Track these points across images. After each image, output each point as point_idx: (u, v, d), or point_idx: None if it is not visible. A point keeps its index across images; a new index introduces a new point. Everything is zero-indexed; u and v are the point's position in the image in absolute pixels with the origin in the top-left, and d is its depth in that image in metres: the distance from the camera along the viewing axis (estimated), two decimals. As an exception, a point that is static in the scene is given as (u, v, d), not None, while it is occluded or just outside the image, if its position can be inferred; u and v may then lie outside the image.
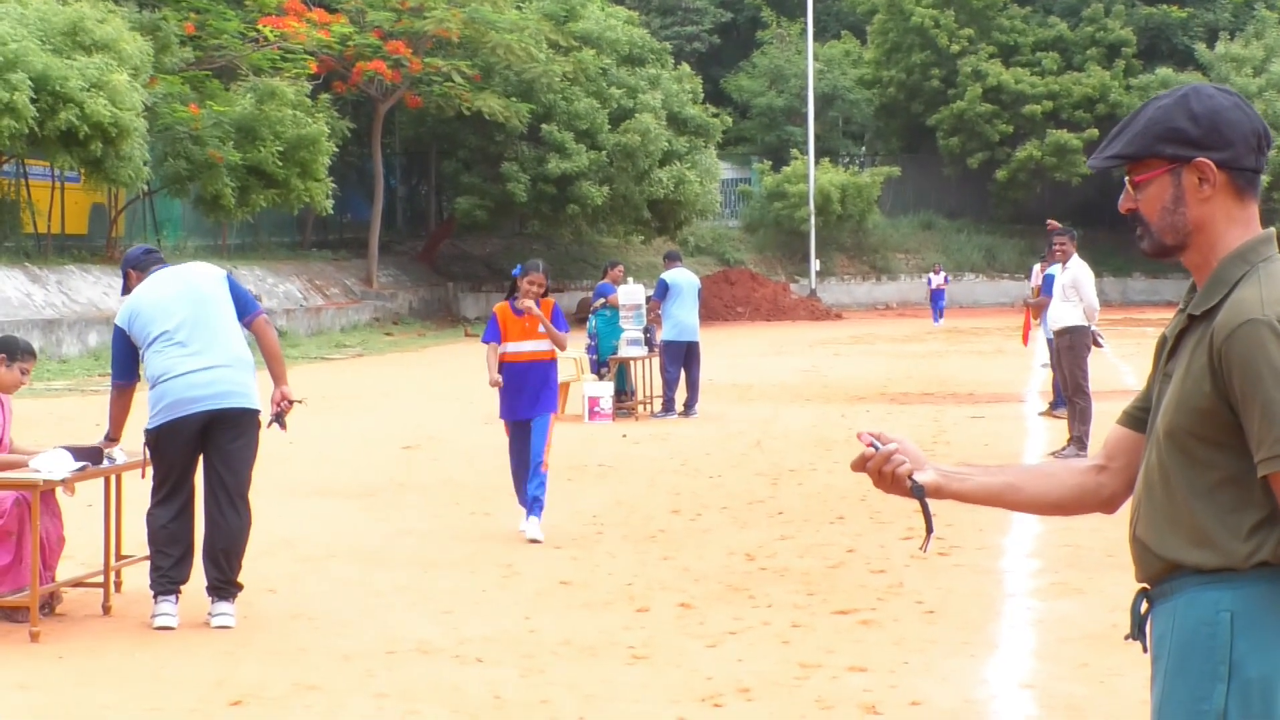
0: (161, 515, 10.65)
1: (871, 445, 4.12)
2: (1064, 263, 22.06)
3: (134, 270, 11.03)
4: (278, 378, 11.08)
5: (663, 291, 25.08)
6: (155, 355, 10.62)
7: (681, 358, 24.91)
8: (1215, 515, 3.77)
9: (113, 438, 11.04)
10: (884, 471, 4.12)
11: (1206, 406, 3.74)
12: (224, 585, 10.67)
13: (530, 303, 14.12)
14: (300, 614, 11.01)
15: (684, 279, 25.26)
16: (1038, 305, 23.97)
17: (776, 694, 8.81)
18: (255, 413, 10.84)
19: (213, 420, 10.57)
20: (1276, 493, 3.65)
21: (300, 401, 11.60)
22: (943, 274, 59.53)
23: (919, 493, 4.09)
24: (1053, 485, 4.22)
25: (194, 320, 10.62)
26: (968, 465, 4.27)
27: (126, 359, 10.84)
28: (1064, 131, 71.95)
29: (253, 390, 10.82)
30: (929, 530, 4.22)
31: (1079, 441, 19.31)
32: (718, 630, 10.37)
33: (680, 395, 25.07)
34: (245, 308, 10.98)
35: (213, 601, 10.65)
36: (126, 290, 11.14)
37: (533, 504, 13.96)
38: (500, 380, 14.14)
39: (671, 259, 26.31)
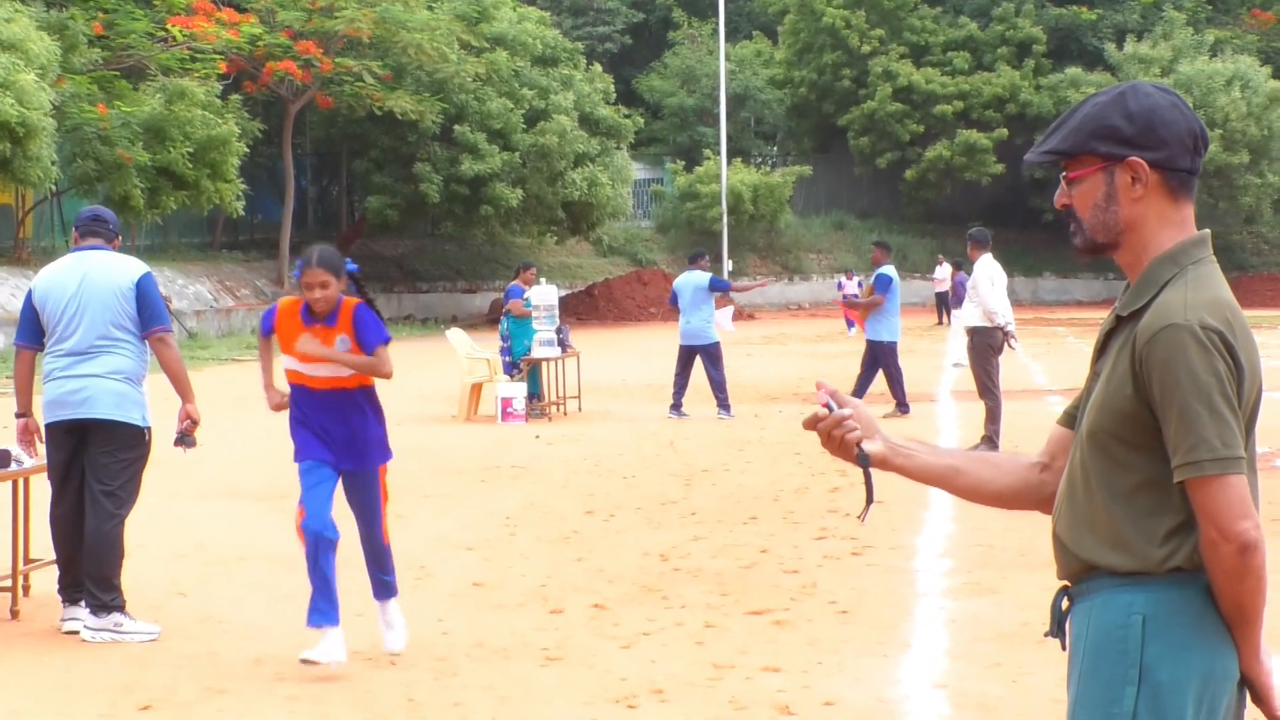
0: (54, 514, 10.57)
1: (826, 406, 4.11)
2: (876, 266, 23.05)
3: (76, 232, 10.92)
4: (181, 396, 10.79)
5: (674, 298, 25.06)
6: (47, 352, 10.59)
7: (684, 361, 24.84)
8: (1132, 518, 3.78)
9: (19, 412, 10.83)
10: (833, 435, 4.11)
11: (1128, 409, 3.75)
12: (88, 591, 10.44)
13: (313, 346, 9.70)
14: (210, 617, 10.94)
15: (683, 281, 25.15)
16: (867, 305, 24.09)
17: (690, 695, 8.81)
18: (130, 427, 10.57)
19: (85, 429, 10.47)
20: (1192, 499, 3.67)
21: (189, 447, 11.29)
22: (856, 279, 55.73)
23: (864, 462, 4.09)
24: (996, 475, 4.22)
25: (81, 325, 10.42)
26: (917, 441, 4.26)
27: (30, 323, 10.67)
28: (974, 131, 72.43)
29: (130, 403, 10.57)
30: (869, 500, 4.21)
31: (990, 441, 19.41)
32: (631, 631, 10.36)
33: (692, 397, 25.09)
34: (148, 320, 10.64)
35: (68, 605, 10.54)
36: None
37: (382, 589, 10.05)
38: (283, 400, 10.12)
39: (690, 260, 26.20)
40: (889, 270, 24.36)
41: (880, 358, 24.15)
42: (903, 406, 24.04)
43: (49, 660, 9.78)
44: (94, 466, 10.52)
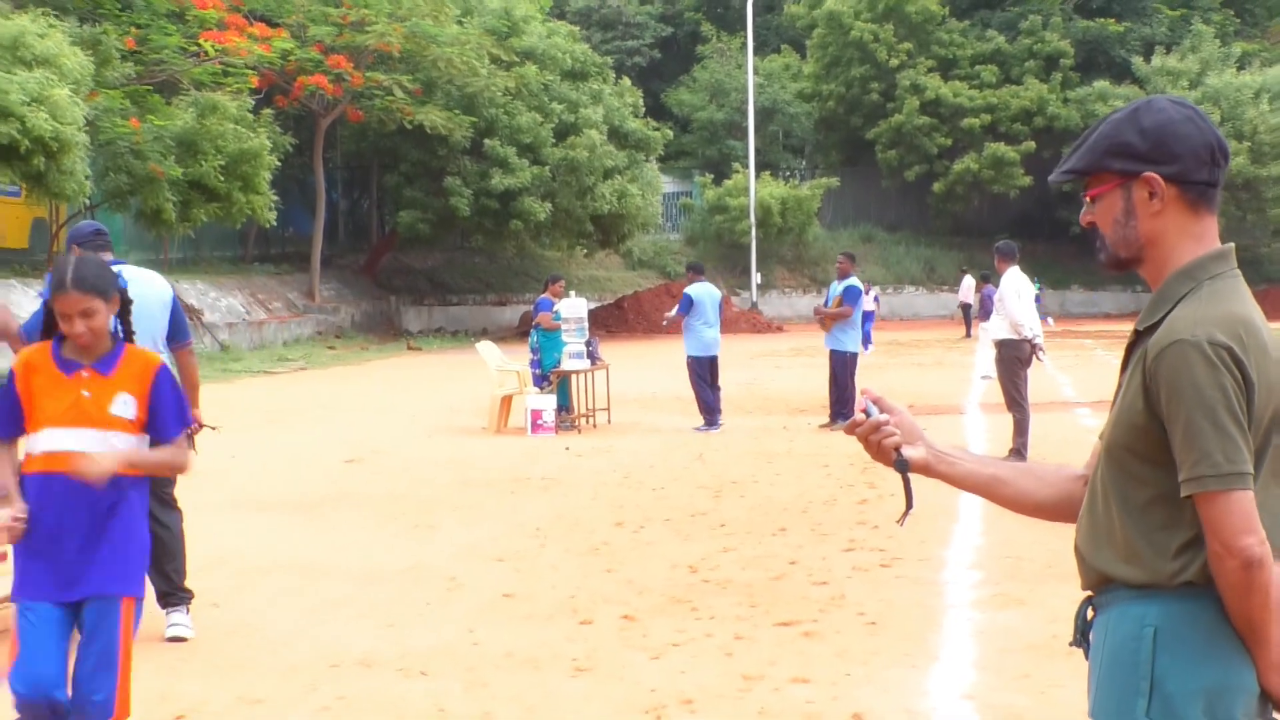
0: None
1: (865, 411, 4.17)
2: (840, 279, 23.16)
3: (80, 247, 10.86)
4: (191, 403, 10.96)
5: (687, 306, 25.04)
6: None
7: (709, 372, 24.90)
8: (1145, 532, 3.79)
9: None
10: (871, 440, 4.16)
11: (1140, 423, 3.76)
12: (172, 594, 10.70)
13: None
14: (243, 627, 10.95)
15: (706, 293, 25.18)
16: (835, 315, 24.09)
17: (719, 706, 8.80)
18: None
19: None
20: (1200, 513, 3.68)
21: (214, 428, 11.56)
22: (874, 293, 52.11)
23: (902, 467, 4.17)
24: (1040, 487, 4.24)
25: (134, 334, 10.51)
26: (961, 450, 4.29)
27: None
28: (1002, 144, 72.27)
29: None
30: (908, 505, 4.26)
31: (1018, 453, 19.36)
32: (661, 642, 10.34)
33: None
34: (178, 334, 10.87)
35: (166, 612, 10.68)
36: None
37: None
38: (21, 523, 6.84)
39: (695, 271, 26.23)
40: (857, 282, 24.39)
41: (838, 368, 24.15)
42: (840, 419, 23.90)
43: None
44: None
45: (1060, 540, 12.48)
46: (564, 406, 25.28)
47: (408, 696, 9.07)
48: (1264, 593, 3.65)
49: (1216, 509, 3.63)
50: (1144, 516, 3.79)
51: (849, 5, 75.26)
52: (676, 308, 25.50)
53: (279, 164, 47.20)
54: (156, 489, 10.76)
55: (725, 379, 24.52)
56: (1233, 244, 3.96)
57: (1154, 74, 70.64)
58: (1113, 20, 76.21)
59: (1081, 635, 4.04)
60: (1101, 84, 71.48)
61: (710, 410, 24.62)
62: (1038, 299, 59.83)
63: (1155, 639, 3.74)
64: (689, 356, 24.89)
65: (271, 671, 9.68)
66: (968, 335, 54.24)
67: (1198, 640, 3.73)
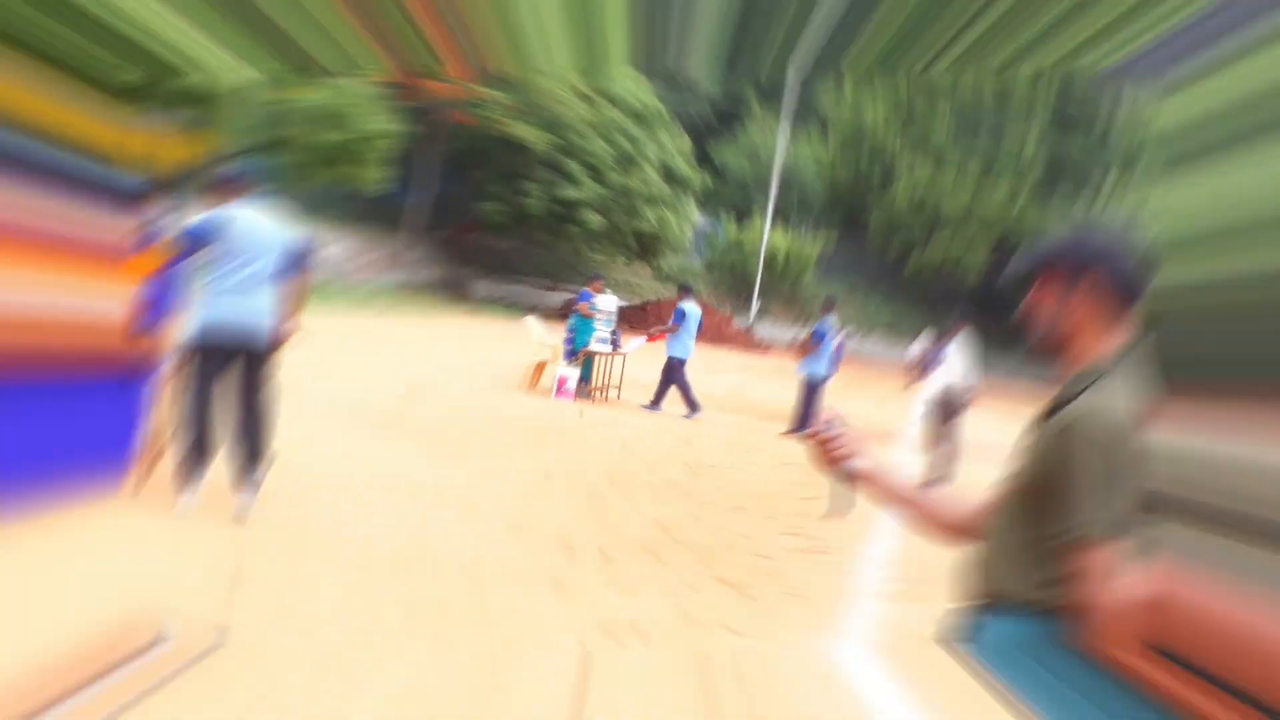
0: (188, 406, 10.39)
1: (825, 424, 4.21)
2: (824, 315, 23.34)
3: (228, 184, 10.51)
4: (293, 313, 10.87)
5: (680, 317, 25.11)
6: (215, 274, 10.37)
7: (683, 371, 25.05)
8: (1022, 565, 3.79)
9: None
10: (825, 449, 4.19)
11: (1036, 478, 3.76)
12: (253, 461, 10.61)
13: None
14: (294, 518, 10.94)
15: (694, 310, 25.29)
16: (802, 349, 24.16)
17: (664, 638, 8.79)
18: (272, 350, 10.70)
19: (240, 349, 10.38)
20: (1074, 556, 3.67)
21: (305, 335, 11.62)
22: (839, 340, 44.99)
23: (847, 475, 4.16)
24: (957, 512, 4.25)
25: (259, 263, 10.43)
26: (895, 470, 4.32)
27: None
28: (971, 233, 72.00)
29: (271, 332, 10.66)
30: (845, 506, 4.27)
31: (941, 482, 19.30)
32: (628, 580, 10.34)
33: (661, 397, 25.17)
34: (291, 269, 10.65)
35: (240, 484, 10.62)
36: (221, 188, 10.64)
37: None
38: None
39: (686, 290, 26.23)
40: (828, 323, 24.42)
41: (804, 388, 24.17)
42: (799, 429, 23.94)
43: (158, 536, 9.81)
44: (254, 377, 10.54)
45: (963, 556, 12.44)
46: (585, 379, 25.30)
47: (417, 589, 9.07)
48: (1120, 623, 3.65)
49: (1088, 555, 3.62)
50: (1022, 553, 3.80)
51: (878, 116, 74.87)
52: (671, 319, 25.59)
53: (393, 146, 47.27)
54: (256, 375, 10.57)
55: (717, 383, 24.44)
56: (1139, 338, 3.97)
57: (1106, 191, 70.41)
58: (1078, 141, 75.77)
59: (957, 638, 4.04)
60: (1061, 196, 71.28)
61: (692, 401, 24.69)
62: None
63: (1015, 655, 3.74)
64: (674, 358, 24.96)
65: (301, 572, 9.67)
66: (917, 380, 54.10)
67: (1052, 660, 3.72)
